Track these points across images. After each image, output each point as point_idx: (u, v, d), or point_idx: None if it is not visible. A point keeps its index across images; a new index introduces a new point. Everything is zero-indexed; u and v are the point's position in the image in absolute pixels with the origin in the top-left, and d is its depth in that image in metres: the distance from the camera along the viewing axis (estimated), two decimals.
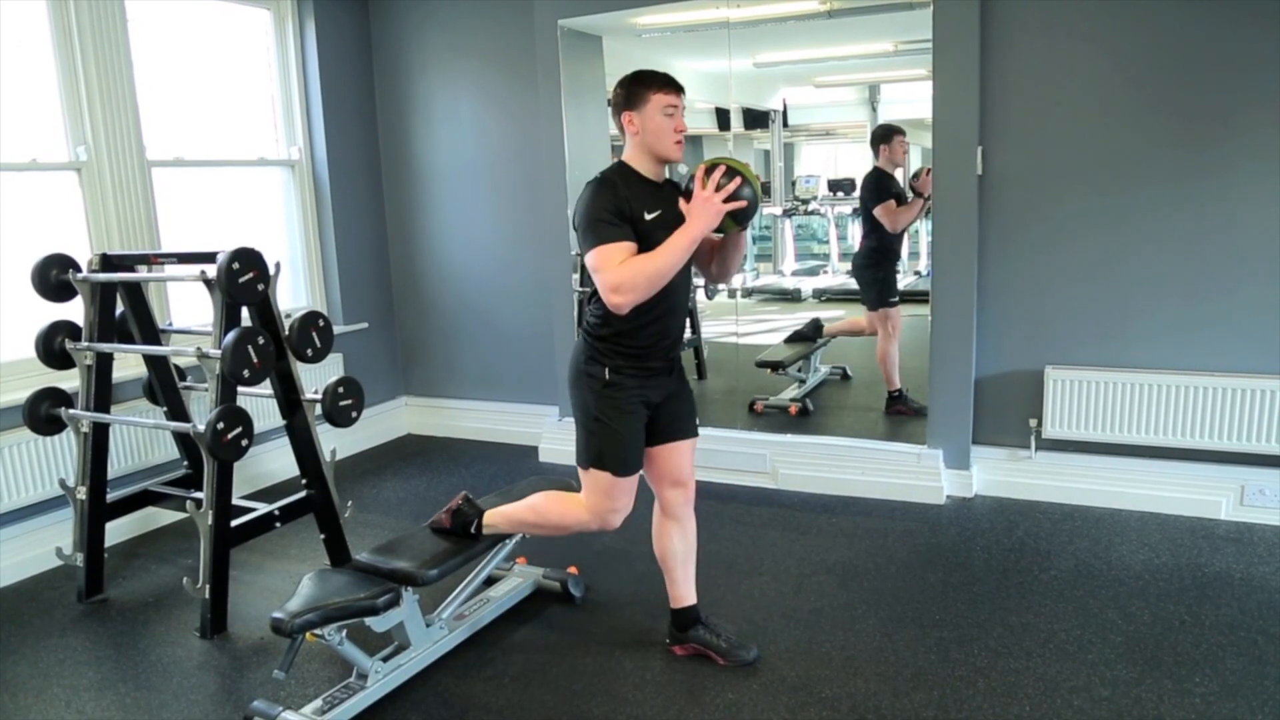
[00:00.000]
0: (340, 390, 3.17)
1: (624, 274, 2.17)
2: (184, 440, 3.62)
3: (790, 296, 5.00)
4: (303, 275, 4.76)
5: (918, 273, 4.44)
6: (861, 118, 4.51)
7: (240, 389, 2.94)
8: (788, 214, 4.91)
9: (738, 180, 2.21)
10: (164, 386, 3.45)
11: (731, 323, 4.69)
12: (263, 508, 3.18)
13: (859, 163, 4.44)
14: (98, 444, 3.19)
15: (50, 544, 3.33)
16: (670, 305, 2.36)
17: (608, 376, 2.35)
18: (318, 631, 2.31)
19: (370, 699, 2.45)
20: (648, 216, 2.26)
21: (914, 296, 4.23)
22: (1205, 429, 3.42)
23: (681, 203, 2.27)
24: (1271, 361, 3.33)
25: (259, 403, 3.75)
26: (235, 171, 4.44)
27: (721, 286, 4.63)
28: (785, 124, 4.71)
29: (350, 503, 3.59)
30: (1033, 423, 3.73)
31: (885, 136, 4.19)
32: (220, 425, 2.80)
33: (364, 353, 4.93)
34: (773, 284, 5.09)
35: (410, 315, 5.16)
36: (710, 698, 2.45)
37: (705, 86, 4.34)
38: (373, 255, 5.04)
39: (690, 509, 2.61)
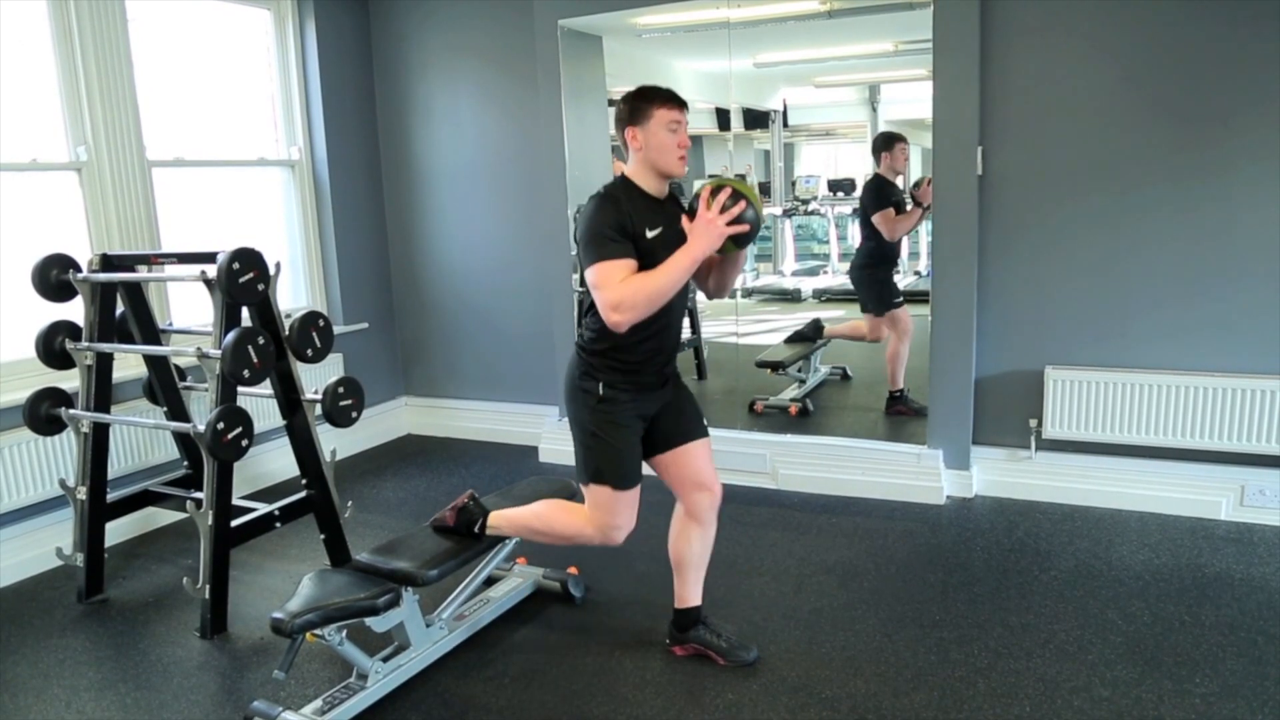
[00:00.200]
0: (340, 390, 3.17)
1: (625, 292, 2.17)
2: (184, 440, 3.62)
3: (790, 297, 5.00)
4: (303, 275, 4.76)
5: (918, 273, 4.45)
6: (862, 118, 4.52)
7: (240, 389, 2.95)
8: (788, 214, 4.91)
9: (742, 204, 2.23)
10: (164, 386, 3.45)
11: (731, 323, 4.69)
12: (263, 508, 3.18)
13: (859, 163, 4.45)
14: (98, 444, 3.19)
15: (50, 544, 3.33)
16: (666, 322, 2.37)
17: (602, 392, 2.36)
18: (318, 632, 2.31)
19: (370, 699, 2.45)
20: (649, 234, 2.26)
21: (914, 296, 4.23)
22: (1205, 429, 3.42)
23: (685, 221, 2.27)
24: (1271, 361, 3.34)
25: (259, 403, 3.76)
26: (235, 171, 4.44)
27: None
28: (785, 124, 4.71)
29: (350, 503, 3.59)
30: (1033, 423, 3.73)
31: (887, 144, 4.19)
32: (220, 425, 2.80)
33: (364, 353, 4.93)
34: (773, 284, 5.09)
35: (410, 315, 5.16)
36: (710, 698, 2.45)
37: (705, 87, 4.35)
38: (373, 255, 5.04)
39: (714, 514, 2.58)
